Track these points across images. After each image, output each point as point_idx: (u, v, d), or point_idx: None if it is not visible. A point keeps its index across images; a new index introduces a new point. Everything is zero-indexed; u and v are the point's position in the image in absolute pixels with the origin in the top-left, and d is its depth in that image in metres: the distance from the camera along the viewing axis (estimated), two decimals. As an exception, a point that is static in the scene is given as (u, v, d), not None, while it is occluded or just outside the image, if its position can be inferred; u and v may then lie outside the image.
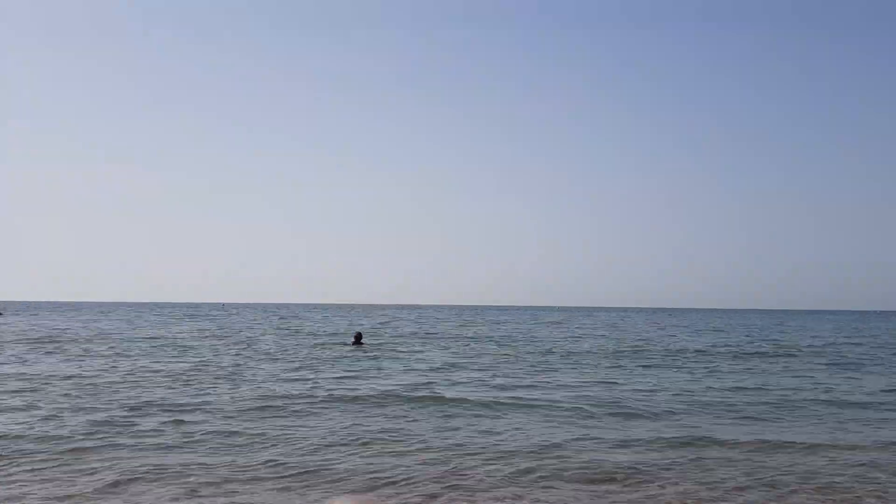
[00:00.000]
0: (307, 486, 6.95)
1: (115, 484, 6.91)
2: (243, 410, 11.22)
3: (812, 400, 13.61)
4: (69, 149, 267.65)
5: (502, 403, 12.40)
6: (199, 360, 20.30)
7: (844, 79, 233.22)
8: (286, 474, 7.36)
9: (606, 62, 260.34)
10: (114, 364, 18.54)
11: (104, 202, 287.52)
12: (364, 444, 8.89)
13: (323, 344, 27.77)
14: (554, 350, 26.46)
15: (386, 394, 13.32)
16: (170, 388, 13.81)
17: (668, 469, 7.82)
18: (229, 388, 13.84)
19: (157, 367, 17.99)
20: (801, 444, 9.27)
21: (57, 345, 25.65)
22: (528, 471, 7.61)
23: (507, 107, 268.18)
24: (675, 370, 19.37)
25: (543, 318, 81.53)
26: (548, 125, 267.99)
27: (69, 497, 6.51)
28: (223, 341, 29.10)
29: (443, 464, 7.91)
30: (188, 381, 14.98)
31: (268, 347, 26.11)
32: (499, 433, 9.79)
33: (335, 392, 13.44)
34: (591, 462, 8.05)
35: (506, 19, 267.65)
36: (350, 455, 8.26)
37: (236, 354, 22.45)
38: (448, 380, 16.06)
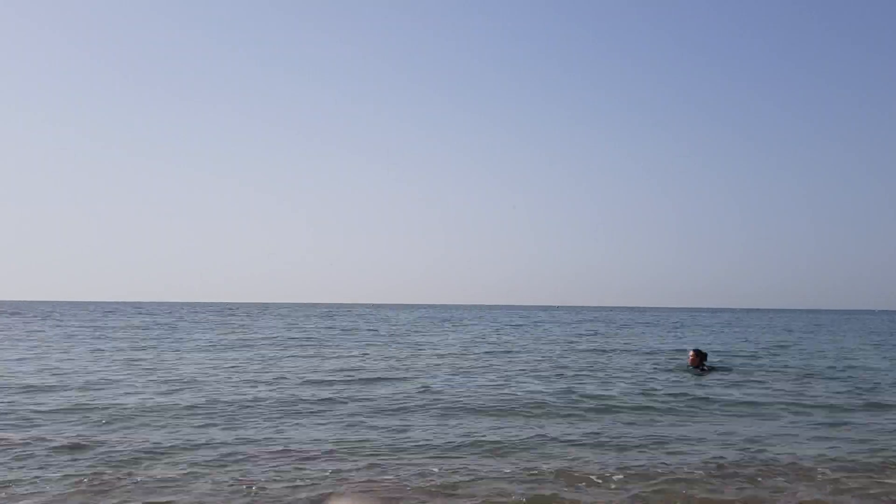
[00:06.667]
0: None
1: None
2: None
3: None
4: (70, 145, 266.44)
5: None
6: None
7: (844, 77, 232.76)
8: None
9: (611, 60, 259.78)
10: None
11: (101, 199, 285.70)
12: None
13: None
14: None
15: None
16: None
17: None
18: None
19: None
20: None
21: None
22: None
23: (510, 103, 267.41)
24: None
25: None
26: (550, 122, 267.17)
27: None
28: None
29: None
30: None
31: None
32: None
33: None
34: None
35: (508, 15, 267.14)
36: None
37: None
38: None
